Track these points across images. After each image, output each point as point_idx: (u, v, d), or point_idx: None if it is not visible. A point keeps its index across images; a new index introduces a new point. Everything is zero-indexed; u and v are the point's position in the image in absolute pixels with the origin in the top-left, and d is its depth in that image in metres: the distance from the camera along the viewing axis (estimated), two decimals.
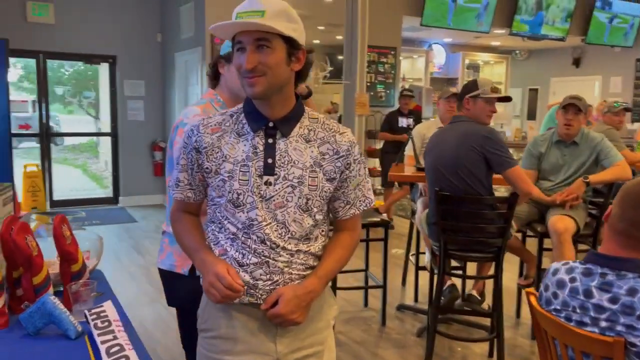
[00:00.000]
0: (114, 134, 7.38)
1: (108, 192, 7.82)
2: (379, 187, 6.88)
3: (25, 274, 1.60)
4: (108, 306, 1.54)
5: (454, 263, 3.33)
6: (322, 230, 1.47)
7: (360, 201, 1.48)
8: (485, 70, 11.45)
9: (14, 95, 11.28)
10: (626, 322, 1.33)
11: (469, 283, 3.76)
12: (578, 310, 1.42)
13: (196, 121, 1.44)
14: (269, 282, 1.38)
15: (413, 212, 4.05)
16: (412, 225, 4.21)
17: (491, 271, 3.02)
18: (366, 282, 3.85)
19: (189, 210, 1.52)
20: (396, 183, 5.89)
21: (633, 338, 1.31)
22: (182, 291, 1.82)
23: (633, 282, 1.35)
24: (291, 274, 1.39)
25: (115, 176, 7.49)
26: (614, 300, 1.36)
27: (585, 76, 10.78)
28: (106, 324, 1.45)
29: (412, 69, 10.18)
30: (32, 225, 2.11)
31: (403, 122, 5.97)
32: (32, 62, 6.92)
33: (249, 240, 1.37)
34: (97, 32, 6.94)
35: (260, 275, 1.37)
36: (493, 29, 8.01)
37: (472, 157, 2.75)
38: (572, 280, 1.45)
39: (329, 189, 1.41)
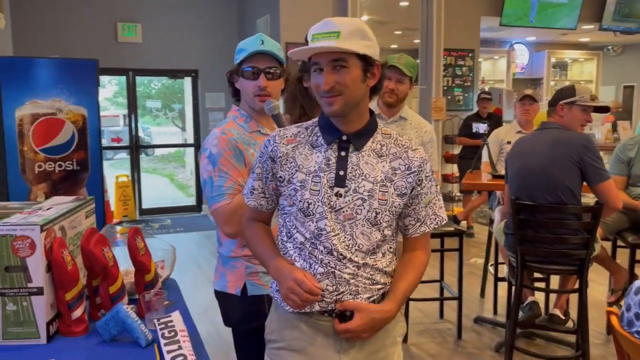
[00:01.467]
0: (197, 145, 7.73)
1: (192, 201, 8.19)
2: (458, 194, 6.68)
3: (102, 283, 1.70)
4: (176, 316, 1.60)
5: (536, 275, 3.15)
6: (390, 247, 1.46)
7: (431, 219, 1.47)
8: (574, 68, 10.82)
9: (110, 110, 12.13)
10: None
11: (551, 298, 3.54)
12: None
13: (273, 134, 1.48)
14: (335, 293, 1.40)
15: (492, 221, 3.89)
16: (490, 234, 4.04)
17: (575, 285, 2.83)
18: (441, 293, 3.74)
19: (261, 219, 1.56)
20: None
21: None
22: (235, 311, 1.83)
23: None
24: (357, 286, 1.40)
25: (199, 185, 7.83)
26: None
27: None
28: (172, 333, 1.50)
29: (493, 70, 9.83)
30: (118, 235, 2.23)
31: (479, 127, 5.76)
32: (120, 78, 7.41)
33: (316, 250, 1.39)
34: (180, 48, 7.31)
35: (327, 285, 1.39)
36: (580, 24, 7.55)
37: (567, 167, 2.58)
38: None
39: (399, 204, 1.41)
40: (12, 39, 5.79)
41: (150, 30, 7.13)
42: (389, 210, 1.39)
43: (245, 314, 1.70)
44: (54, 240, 1.59)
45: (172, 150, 14.63)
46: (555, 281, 3.36)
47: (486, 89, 7.57)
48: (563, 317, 3.05)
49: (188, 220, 7.26)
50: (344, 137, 1.40)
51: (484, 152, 3.76)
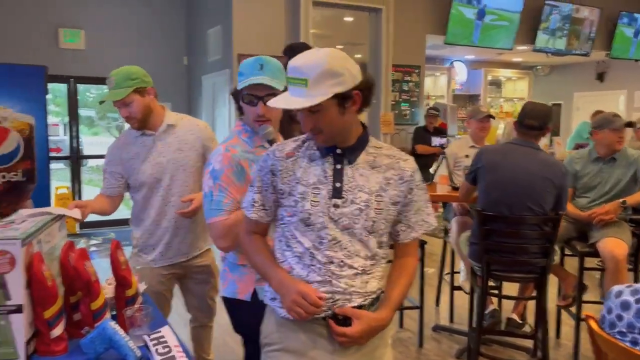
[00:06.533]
0: None
1: None
2: None
3: (84, 299, 1.62)
4: (166, 331, 1.56)
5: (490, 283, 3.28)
6: (385, 253, 1.54)
7: (419, 225, 1.55)
8: (508, 86, 11.41)
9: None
10: None
11: (507, 304, 3.70)
12: None
13: (272, 148, 1.55)
14: (331, 301, 1.45)
15: (446, 231, 4.02)
16: (445, 244, 4.17)
17: (533, 292, 2.98)
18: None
19: (259, 231, 1.60)
20: None
21: None
22: (246, 317, 1.83)
23: None
24: (351, 294, 1.46)
25: None
26: None
27: (610, 90, 10.68)
28: (167, 349, 1.47)
29: (434, 86, 10.20)
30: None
31: (436, 141, 5.98)
32: (60, 86, 7.08)
33: (315, 259, 1.45)
34: (125, 56, 7.06)
35: (323, 293, 1.44)
36: (516, 45, 8.01)
37: (547, 189, 2.74)
38: (638, 301, 1.43)
39: (394, 212, 1.49)
40: None
41: (93, 37, 6.88)
42: (384, 219, 1.47)
43: (256, 320, 1.68)
44: (33, 255, 1.51)
45: None
46: (510, 288, 3.51)
47: (431, 104, 7.84)
48: (520, 321, 3.20)
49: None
50: (338, 151, 1.47)
51: (442, 165, 3.89)
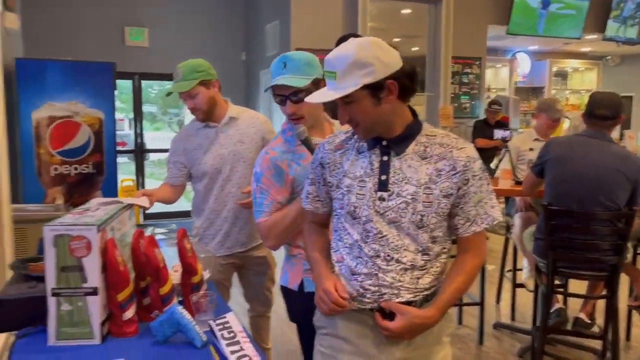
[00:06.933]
0: None
1: None
2: None
3: (153, 284, 1.69)
4: (231, 317, 1.59)
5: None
6: (443, 248, 1.47)
7: (481, 218, 1.44)
8: (575, 77, 10.91)
9: None
10: None
11: (573, 303, 3.56)
12: None
13: (323, 141, 1.57)
14: (377, 294, 1.44)
15: (508, 228, 3.90)
16: (507, 240, 4.05)
17: (603, 291, 2.84)
18: (461, 298, 3.74)
19: (317, 221, 1.63)
20: None
21: None
22: (295, 306, 1.87)
23: None
24: (399, 288, 1.43)
25: None
26: None
27: None
28: (232, 334, 1.50)
29: (495, 78, 9.89)
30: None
31: (499, 134, 5.81)
32: (125, 82, 7.37)
33: (362, 252, 1.44)
34: (185, 53, 7.23)
35: (369, 285, 1.44)
36: (584, 34, 7.65)
37: (620, 183, 2.60)
38: None
39: (446, 204, 1.41)
40: (22, 40, 5.76)
41: (156, 34, 7.12)
42: (435, 212, 1.39)
43: (305, 310, 1.71)
44: (107, 241, 1.58)
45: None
46: (577, 286, 3.37)
47: (492, 97, 7.62)
48: (588, 321, 3.07)
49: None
50: (384, 143, 1.43)
51: (505, 158, 3.78)
